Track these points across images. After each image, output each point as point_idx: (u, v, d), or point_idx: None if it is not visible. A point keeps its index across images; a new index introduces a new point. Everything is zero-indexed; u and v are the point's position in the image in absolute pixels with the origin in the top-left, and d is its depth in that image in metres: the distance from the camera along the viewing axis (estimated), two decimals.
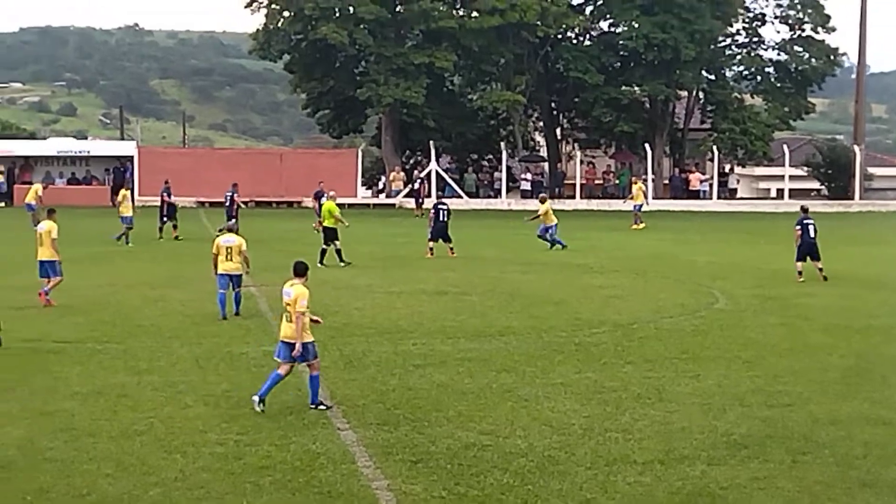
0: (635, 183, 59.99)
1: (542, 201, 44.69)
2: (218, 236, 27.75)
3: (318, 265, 35.97)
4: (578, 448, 15.81)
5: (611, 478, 14.49)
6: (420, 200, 65.73)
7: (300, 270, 18.45)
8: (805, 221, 34.67)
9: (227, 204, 51.37)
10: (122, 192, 47.41)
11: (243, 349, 22.67)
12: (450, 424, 17.00)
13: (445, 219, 41.33)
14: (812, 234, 34.47)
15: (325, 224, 38.21)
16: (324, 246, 37.47)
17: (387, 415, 17.50)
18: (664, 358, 22.31)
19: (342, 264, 36.71)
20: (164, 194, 48.74)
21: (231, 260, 26.90)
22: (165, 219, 48.15)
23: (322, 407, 17.84)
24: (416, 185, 67.76)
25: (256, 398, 17.73)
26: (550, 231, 43.72)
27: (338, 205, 39.10)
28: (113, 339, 23.68)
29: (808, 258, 34.48)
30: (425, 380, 20.05)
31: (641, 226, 55.11)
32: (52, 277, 28.47)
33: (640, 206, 57.21)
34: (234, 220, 33.04)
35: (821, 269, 34.36)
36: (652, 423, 17.21)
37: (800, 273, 34.29)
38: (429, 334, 24.66)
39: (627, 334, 24.99)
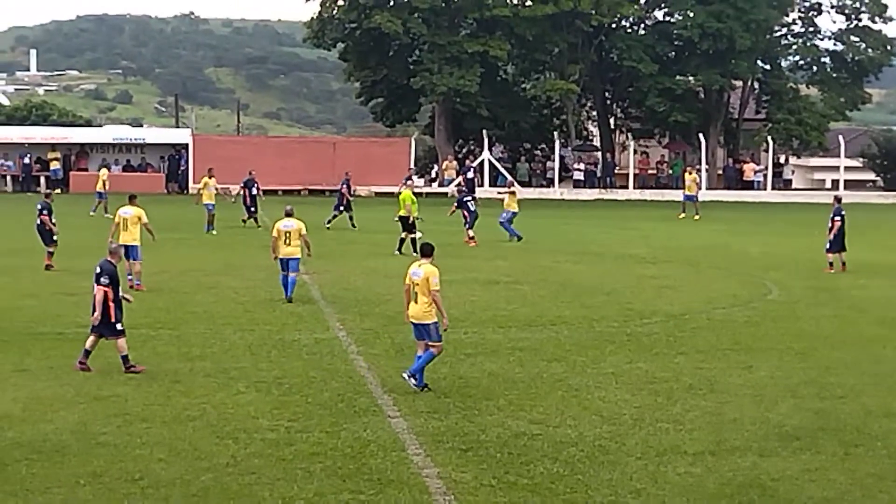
0: (689, 173, 59.65)
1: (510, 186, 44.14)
2: (277, 221, 27.98)
3: (396, 253, 36.25)
4: (629, 438, 15.80)
5: (661, 468, 14.48)
6: (473, 190, 65.11)
7: (427, 251, 19.17)
8: (843, 213, 34.45)
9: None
10: (204, 179, 46.96)
11: (295, 336, 22.78)
12: (500, 413, 17.03)
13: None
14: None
15: (401, 213, 37.87)
16: (402, 235, 37.35)
17: (437, 403, 17.54)
18: (716, 349, 22.24)
19: (397, 252, 36.57)
20: (249, 187, 47.84)
21: (289, 243, 27.17)
22: (253, 209, 47.24)
23: (413, 382, 18.19)
24: (470, 175, 66.95)
25: (413, 382, 18.21)
26: (506, 216, 42.93)
27: (388, 193, 39.09)
28: (166, 326, 23.85)
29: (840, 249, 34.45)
30: (476, 368, 20.08)
31: (696, 217, 54.70)
32: (136, 260, 28.60)
33: (694, 196, 56.84)
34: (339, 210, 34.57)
35: (844, 263, 34.43)
36: (703, 414, 17.17)
37: (831, 264, 34.08)
38: (480, 323, 24.68)
39: (679, 325, 24.92)
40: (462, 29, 76.72)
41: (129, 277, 28.24)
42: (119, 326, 19.53)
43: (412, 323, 18.52)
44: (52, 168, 68.63)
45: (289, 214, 27.92)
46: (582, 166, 77.15)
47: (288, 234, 27.23)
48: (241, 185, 48.38)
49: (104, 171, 53.40)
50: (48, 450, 14.88)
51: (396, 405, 17.40)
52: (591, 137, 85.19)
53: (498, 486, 13.68)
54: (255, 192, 47.46)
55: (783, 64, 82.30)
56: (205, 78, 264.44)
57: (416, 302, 18.42)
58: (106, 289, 19.43)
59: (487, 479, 13.89)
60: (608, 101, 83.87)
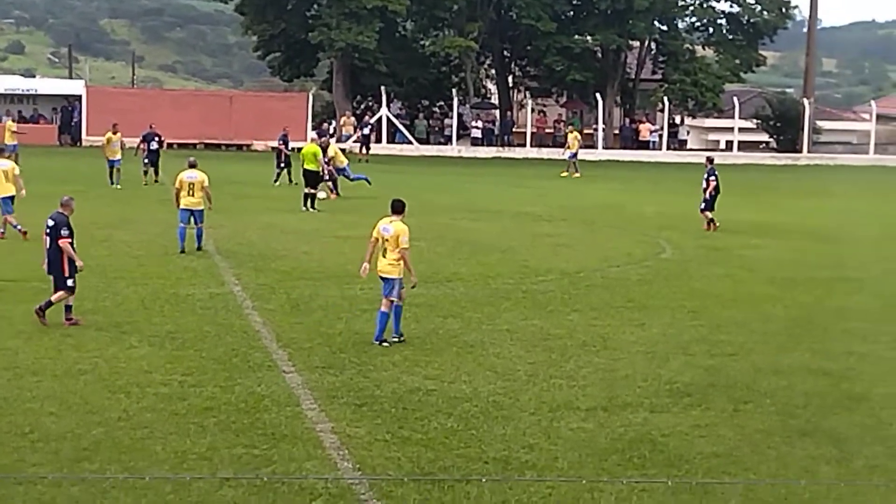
0: (571, 132, 60.27)
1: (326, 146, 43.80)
2: (181, 172, 27.89)
3: (303, 209, 35.97)
4: (522, 394, 15.92)
5: (554, 423, 14.61)
6: (368, 146, 65.24)
7: (398, 208, 19.33)
8: (716, 173, 35.30)
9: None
10: (108, 134, 45.17)
11: (189, 291, 22.62)
12: (395, 369, 17.06)
13: None
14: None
15: (307, 167, 37.65)
16: (306, 190, 37.15)
17: (332, 358, 17.54)
18: (610, 306, 22.45)
19: (304, 209, 36.41)
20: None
21: (192, 195, 27.35)
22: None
23: (385, 344, 18.48)
24: (367, 131, 67.12)
25: (376, 342, 18.44)
26: (346, 171, 42.63)
27: (298, 149, 38.84)
28: None
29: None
30: (372, 324, 19.99)
31: (576, 175, 55.23)
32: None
33: (575, 154, 57.45)
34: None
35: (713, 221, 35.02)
36: (596, 371, 17.34)
37: (710, 223, 34.78)
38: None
39: (574, 282, 25.12)
40: None
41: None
42: (70, 283, 19.34)
43: (381, 277, 18.86)
44: None
45: (192, 165, 28.04)
46: (480, 124, 77.27)
47: (191, 186, 27.40)
48: (140, 139, 46.67)
49: (9, 121, 52.09)
50: None
51: (291, 360, 17.37)
52: (489, 95, 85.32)
53: (392, 441, 13.71)
54: (154, 146, 45.95)
55: (680, 25, 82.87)
56: (99, 29, 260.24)
57: (384, 256, 18.80)
58: (68, 240, 19.28)
59: (381, 434, 13.92)
60: (507, 60, 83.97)
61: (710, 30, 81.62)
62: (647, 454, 13.60)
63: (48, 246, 19.45)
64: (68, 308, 19.37)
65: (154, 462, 12.81)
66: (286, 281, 24.02)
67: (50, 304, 19.29)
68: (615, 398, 15.83)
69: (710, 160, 36.19)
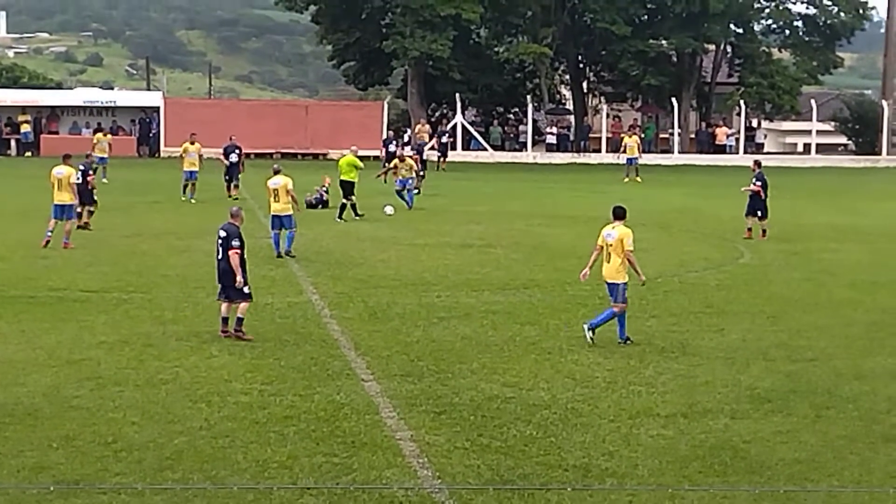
0: (630, 136, 59.80)
1: (402, 159, 43.27)
2: (267, 180, 28.71)
3: (337, 220, 35.88)
4: (601, 401, 15.87)
5: (633, 430, 14.55)
6: (446, 155, 65.02)
7: (620, 213, 19.80)
8: (764, 178, 34.26)
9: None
10: (185, 145, 44.54)
11: (268, 300, 22.71)
12: (473, 376, 17.07)
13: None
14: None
15: (343, 178, 37.13)
16: (343, 201, 37.01)
17: (411, 366, 17.57)
18: (688, 312, 22.34)
19: (357, 217, 36.34)
20: (227, 153, 44.24)
21: (278, 201, 28.03)
22: (228, 178, 44.16)
23: (630, 341, 19.13)
24: (445, 139, 66.69)
25: (587, 326, 19.35)
26: (408, 184, 41.22)
27: (361, 157, 38.69)
28: (139, 289, 23.77)
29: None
30: (449, 332, 20.12)
31: (637, 179, 54.80)
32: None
33: (634, 159, 56.88)
34: None
35: (764, 231, 33.93)
36: (675, 377, 17.26)
37: (751, 229, 33.95)
38: (453, 286, 24.71)
39: (652, 288, 24.88)
40: None
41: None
42: (247, 290, 19.40)
43: (607, 283, 19.47)
44: (22, 131, 68.13)
45: (277, 172, 28.84)
46: (555, 130, 77.02)
47: (276, 192, 28.15)
48: (222, 151, 44.72)
49: (99, 135, 51.79)
50: (20, 413, 14.85)
51: (370, 368, 17.43)
52: (563, 101, 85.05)
53: (471, 449, 13.72)
54: (234, 159, 43.94)
55: (756, 27, 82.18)
56: (176, 40, 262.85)
57: (608, 262, 19.38)
58: (238, 251, 19.26)
59: (461, 442, 13.93)
60: (581, 65, 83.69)
61: (787, 32, 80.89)
62: (728, 461, 13.50)
63: (220, 256, 19.46)
64: (240, 320, 19.31)
65: (235, 471, 12.90)
66: (363, 289, 24.10)
67: (241, 319, 19.25)
68: (695, 404, 15.74)
69: (757, 164, 35.57)
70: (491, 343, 19.31)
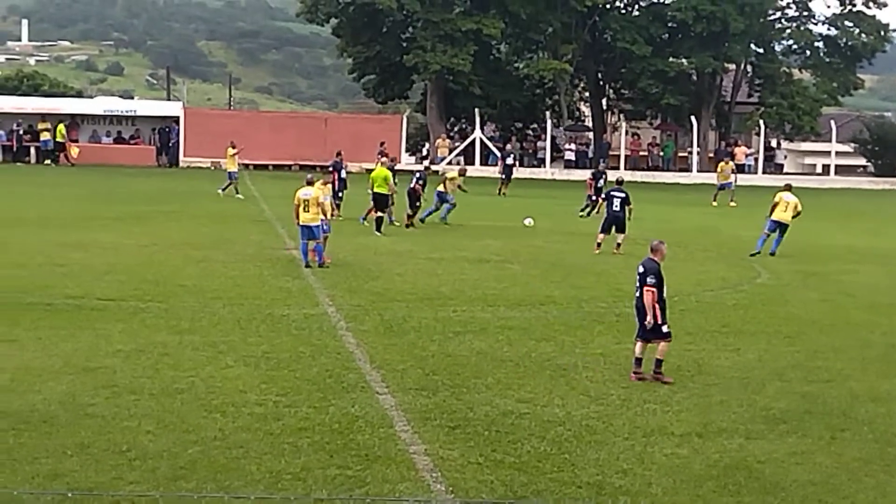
0: (727, 163, 59.13)
1: (463, 172, 43.52)
2: (298, 190, 29.11)
3: (375, 233, 35.84)
4: (616, 418, 15.85)
5: (648, 449, 14.52)
6: (510, 178, 58.91)
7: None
8: (612, 193, 34.62)
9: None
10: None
11: (284, 311, 22.76)
12: (488, 392, 17.06)
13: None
14: (617, 207, 34.18)
15: (376, 191, 37.04)
16: (378, 214, 36.79)
17: (426, 380, 17.56)
18: (704, 331, 22.29)
19: (378, 233, 36.27)
20: (337, 170, 41.46)
21: (308, 211, 28.40)
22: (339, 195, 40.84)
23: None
24: (510, 161, 60.88)
25: None
26: (448, 198, 40.81)
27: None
28: (155, 298, 23.80)
29: (613, 229, 34.15)
30: (465, 346, 20.10)
31: (732, 204, 53.85)
32: (317, 238, 28.85)
33: (729, 184, 55.81)
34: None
35: (619, 244, 33.90)
36: (690, 396, 17.23)
37: (599, 245, 33.89)
38: (469, 301, 24.70)
39: (669, 307, 24.84)
40: (456, 6, 76.53)
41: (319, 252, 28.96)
42: (665, 329, 18.38)
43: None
44: (42, 139, 68.42)
45: (309, 183, 29.35)
46: (573, 146, 77.15)
47: (306, 203, 28.54)
48: (330, 168, 40.51)
49: (230, 149, 49.47)
50: (36, 420, 14.88)
51: (385, 381, 17.42)
52: (582, 118, 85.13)
53: (485, 464, 13.71)
54: (343, 174, 41.81)
55: (776, 48, 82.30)
56: (197, 51, 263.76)
57: None
58: (653, 289, 18.33)
59: (475, 457, 13.92)
60: (601, 82, 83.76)
61: (808, 53, 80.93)
62: (742, 481, 13.47)
63: (638, 292, 18.68)
64: (659, 362, 18.40)
65: (249, 482, 12.91)
66: (380, 302, 24.11)
67: (659, 361, 18.32)
68: (710, 424, 15.71)
69: (617, 181, 36.14)
70: (506, 359, 19.29)
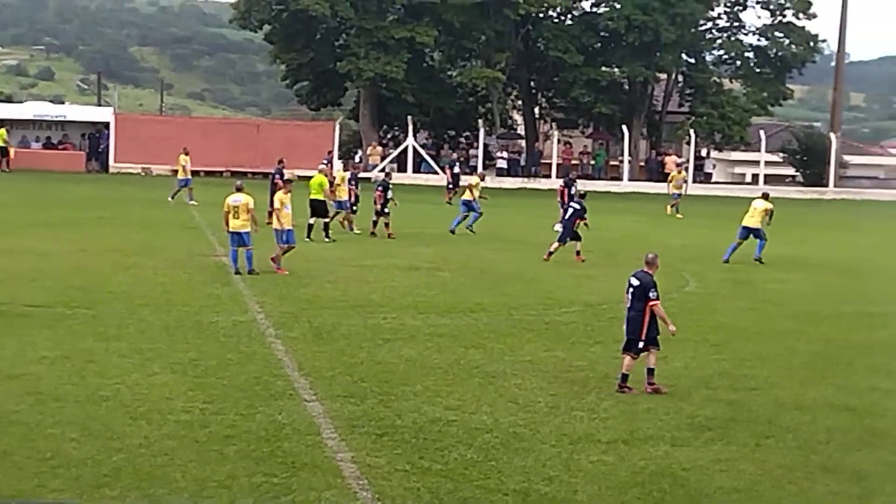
0: (679, 171, 59.29)
1: (482, 178, 44.05)
2: (227, 196, 28.98)
3: (305, 239, 35.70)
4: (543, 426, 15.89)
5: (574, 456, 14.57)
6: (457, 185, 57.99)
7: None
8: (571, 204, 35.54)
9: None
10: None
11: (213, 318, 22.65)
12: (416, 399, 17.05)
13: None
14: (567, 217, 34.94)
15: (312, 197, 36.91)
16: (310, 221, 36.67)
17: (354, 388, 17.53)
18: None
19: (325, 239, 36.22)
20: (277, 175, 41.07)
21: (238, 218, 28.36)
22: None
23: None
24: (457, 169, 61.39)
25: None
26: (475, 206, 41.53)
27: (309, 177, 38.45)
28: (83, 305, 23.59)
29: (568, 239, 34.57)
30: (394, 354, 20.09)
31: (678, 216, 54.00)
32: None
33: (678, 194, 55.76)
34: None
35: (578, 252, 34.43)
36: (617, 404, 17.31)
37: (550, 254, 34.19)
38: (399, 309, 24.69)
39: (597, 314, 25.09)
40: (390, 14, 76.57)
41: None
42: (641, 345, 18.23)
43: None
44: None
45: (238, 189, 29.11)
46: (506, 155, 77.36)
47: (236, 209, 28.46)
48: (274, 175, 42.14)
49: (183, 156, 49.76)
50: None
51: (313, 389, 17.37)
52: (515, 126, 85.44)
53: (412, 472, 13.70)
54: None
55: (707, 58, 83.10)
56: (129, 56, 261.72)
57: None
58: (657, 302, 18.30)
59: (402, 465, 13.91)
60: (533, 91, 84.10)
61: (738, 63, 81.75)
62: (667, 488, 13.56)
63: (629, 305, 18.62)
64: (650, 371, 18.36)
65: (173, 489, 12.83)
66: (309, 309, 24.05)
67: (651, 370, 18.30)
68: (636, 431, 15.79)
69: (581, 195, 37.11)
70: (435, 366, 19.30)
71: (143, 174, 66.29)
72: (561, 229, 35.26)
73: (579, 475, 13.87)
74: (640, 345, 18.21)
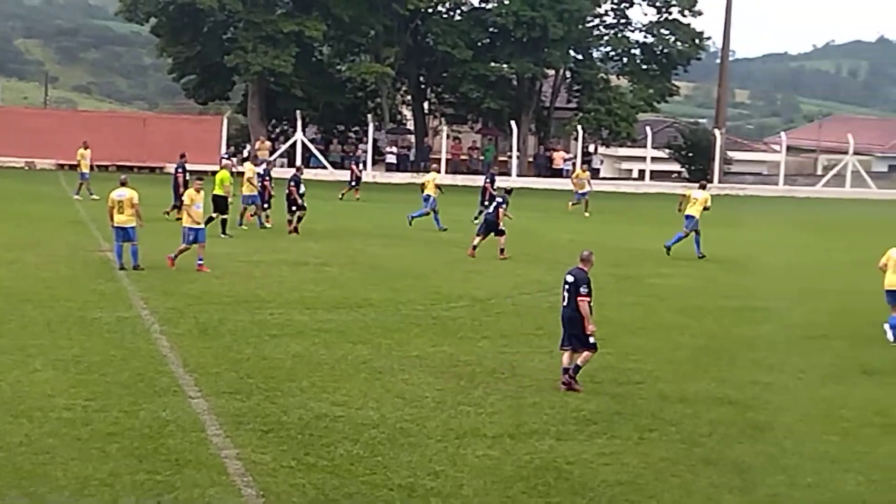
0: (584, 170, 59.26)
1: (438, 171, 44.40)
2: (112, 191, 28.65)
3: (221, 236, 35.34)
4: (430, 421, 15.93)
5: (460, 450, 14.63)
6: (359, 182, 58.63)
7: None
8: (496, 199, 36.28)
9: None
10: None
11: (97, 314, 22.39)
12: (303, 395, 17.01)
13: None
14: (490, 211, 35.73)
15: (215, 193, 36.42)
16: (213, 215, 36.16)
17: (240, 384, 17.44)
18: (519, 333, 22.55)
19: (223, 236, 35.85)
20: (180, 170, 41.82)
21: (122, 212, 28.07)
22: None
23: None
24: (360, 169, 61.06)
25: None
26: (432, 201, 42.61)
27: (203, 173, 38.10)
28: None
29: (491, 234, 35.03)
30: (281, 349, 20.02)
31: (586, 214, 53.64)
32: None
33: (584, 193, 55.46)
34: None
35: (502, 249, 34.70)
36: (504, 398, 17.40)
37: (475, 248, 34.68)
38: (287, 304, 24.59)
39: (485, 309, 25.20)
40: (278, 8, 76.08)
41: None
42: (592, 339, 18.25)
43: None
44: None
45: (123, 184, 28.95)
46: (395, 150, 77.30)
47: (121, 203, 28.19)
48: (178, 169, 42.19)
49: (82, 150, 49.95)
50: None
51: (198, 385, 17.25)
52: (404, 121, 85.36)
53: (297, 468, 13.66)
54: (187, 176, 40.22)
55: (595, 54, 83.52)
56: (14, 49, 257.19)
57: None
58: (587, 298, 18.27)
59: (287, 461, 13.87)
60: (422, 86, 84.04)
61: (625, 59, 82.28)
62: (552, 482, 13.66)
63: (566, 303, 18.53)
64: (577, 369, 18.31)
65: (54, 488, 12.67)
66: (195, 305, 23.86)
67: (578, 367, 18.24)
68: (522, 425, 15.89)
69: (506, 191, 38.28)
70: (322, 362, 19.26)
71: (26, 168, 65.25)
72: (482, 222, 35.48)
73: (465, 470, 13.93)
74: (591, 339, 18.31)
